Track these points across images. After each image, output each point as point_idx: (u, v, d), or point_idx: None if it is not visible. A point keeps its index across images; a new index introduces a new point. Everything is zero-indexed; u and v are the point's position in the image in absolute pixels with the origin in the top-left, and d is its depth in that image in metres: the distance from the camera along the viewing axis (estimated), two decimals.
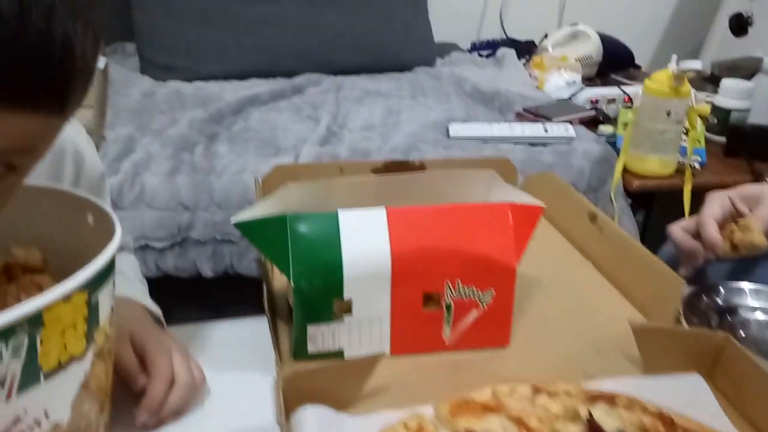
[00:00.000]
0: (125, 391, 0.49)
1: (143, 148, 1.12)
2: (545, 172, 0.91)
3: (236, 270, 1.12)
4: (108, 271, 0.41)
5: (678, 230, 0.68)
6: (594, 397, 0.47)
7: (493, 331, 0.57)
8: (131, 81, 1.43)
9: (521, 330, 0.58)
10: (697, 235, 0.68)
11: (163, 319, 0.59)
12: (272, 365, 0.51)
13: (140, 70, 1.51)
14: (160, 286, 1.10)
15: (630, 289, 0.65)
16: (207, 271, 1.11)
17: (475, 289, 0.55)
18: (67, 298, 0.36)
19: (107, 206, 0.45)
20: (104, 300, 0.41)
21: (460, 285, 0.55)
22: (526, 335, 0.58)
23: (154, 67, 1.49)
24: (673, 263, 0.65)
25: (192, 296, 1.18)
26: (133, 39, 1.57)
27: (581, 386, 0.49)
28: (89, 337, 0.39)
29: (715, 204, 0.66)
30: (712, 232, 0.65)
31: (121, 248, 0.67)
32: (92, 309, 0.39)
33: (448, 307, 0.55)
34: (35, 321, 0.34)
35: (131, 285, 0.60)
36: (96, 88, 1.24)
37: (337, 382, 0.49)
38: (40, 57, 0.30)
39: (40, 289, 0.45)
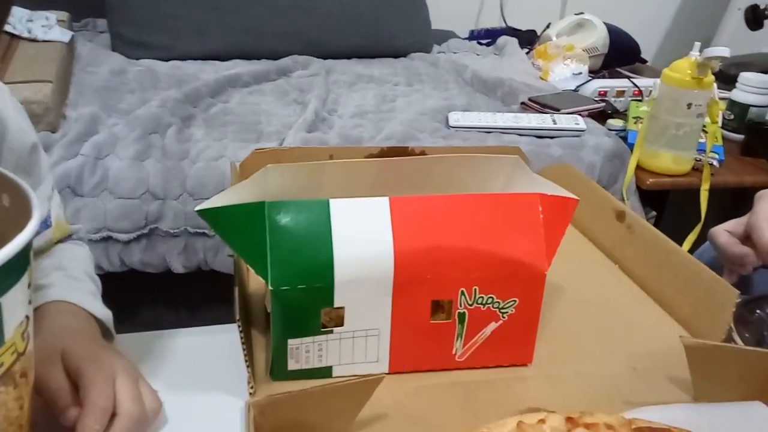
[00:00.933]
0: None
1: (108, 129, 1.01)
2: (561, 163, 0.82)
3: (210, 266, 1.02)
4: (18, 267, 0.31)
5: (723, 234, 0.60)
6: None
7: (514, 346, 0.49)
8: (100, 58, 1.31)
9: (544, 345, 0.50)
10: (744, 239, 0.59)
11: (112, 327, 0.48)
12: (245, 386, 0.43)
13: (111, 47, 1.39)
14: (126, 280, 1.01)
15: (668, 298, 0.58)
16: (178, 266, 1.00)
17: (495, 297, 0.46)
18: None
19: (26, 185, 0.34)
20: (12, 307, 0.31)
21: (477, 292, 0.45)
22: (551, 352, 0.51)
23: (127, 44, 1.38)
24: (713, 269, 0.56)
25: (161, 293, 1.07)
26: (104, 15, 1.44)
27: (623, 417, 0.41)
28: None
29: None
30: None
31: (69, 237, 0.56)
32: None
33: (462, 318, 0.46)
34: None
35: (75, 284, 0.49)
36: (57, 62, 1.12)
37: (323, 409, 0.40)
38: None
39: None
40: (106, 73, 1.24)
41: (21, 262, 0.31)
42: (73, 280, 0.50)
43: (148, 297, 1.07)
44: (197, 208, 0.43)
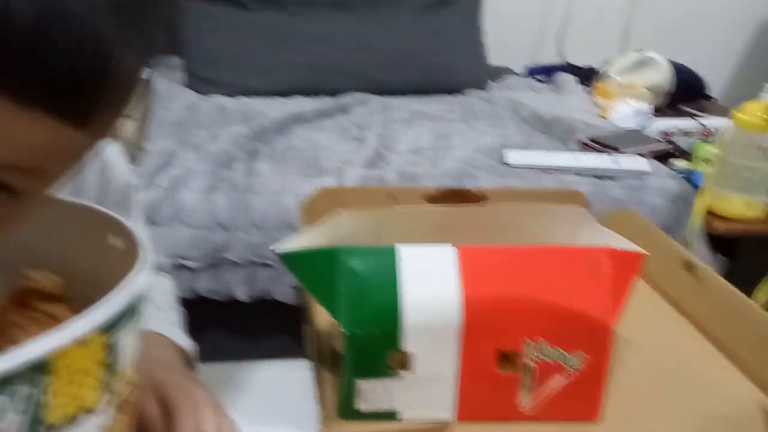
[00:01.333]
0: None
1: (182, 163, 1.07)
2: (624, 209, 0.81)
3: (272, 296, 1.05)
4: (134, 306, 0.33)
5: None
6: None
7: (581, 401, 0.48)
8: (175, 94, 1.39)
9: (612, 401, 0.49)
10: None
11: (196, 358, 0.51)
12: (315, 421, 0.44)
13: (184, 83, 1.48)
14: (191, 307, 1.04)
15: (744, 358, 0.55)
16: (242, 294, 1.04)
17: (561, 350, 0.46)
18: (82, 342, 0.28)
19: (134, 225, 0.37)
20: (127, 341, 0.33)
21: (544, 344, 0.45)
22: (619, 408, 0.49)
23: (199, 81, 1.46)
24: None
25: (224, 319, 1.11)
26: (178, 53, 1.54)
27: None
28: (106, 387, 0.32)
29: None
30: None
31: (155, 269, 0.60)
32: (112, 353, 0.32)
33: (528, 370, 0.46)
34: (41, 368, 0.27)
35: (163, 316, 0.52)
36: (140, 99, 1.20)
37: None
38: (66, 44, 0.25)
39: (56, 321, 0.37)
40: (181, 109, 1.31)
41: (139, 301, 0.33)
42: (161, 312, 0.53)
43: (211, 322, 1.11)
44: (276, 250, 0.45)
